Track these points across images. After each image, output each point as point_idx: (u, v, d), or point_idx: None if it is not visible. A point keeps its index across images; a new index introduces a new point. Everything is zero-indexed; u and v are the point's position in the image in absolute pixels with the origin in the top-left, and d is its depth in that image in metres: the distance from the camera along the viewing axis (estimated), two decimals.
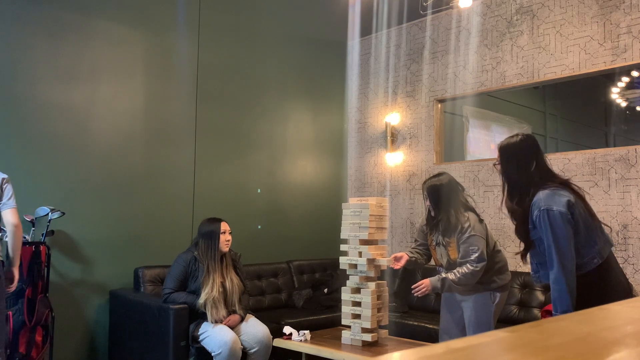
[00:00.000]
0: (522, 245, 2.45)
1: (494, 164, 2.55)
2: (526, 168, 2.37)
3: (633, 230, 3.71)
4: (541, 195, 2.29)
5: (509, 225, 2.96)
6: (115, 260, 3.96)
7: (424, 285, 3.02)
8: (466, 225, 2.97)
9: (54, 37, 3.77)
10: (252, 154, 4.89)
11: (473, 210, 3.08)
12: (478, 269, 2.90)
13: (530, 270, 2.53)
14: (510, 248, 4.24)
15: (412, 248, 3.29)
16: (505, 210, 2.50)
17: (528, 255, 2.48)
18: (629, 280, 3.65)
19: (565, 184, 2.37)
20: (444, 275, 2.98)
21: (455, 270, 2.96)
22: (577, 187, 2.42)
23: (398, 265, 3.14)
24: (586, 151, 3.99)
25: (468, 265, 2.92)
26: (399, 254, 3.16)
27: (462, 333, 3.10)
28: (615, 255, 3.69)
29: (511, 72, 4.45)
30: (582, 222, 2.29)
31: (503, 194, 2.47)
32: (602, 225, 2.40)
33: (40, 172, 3.67)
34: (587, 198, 3.01)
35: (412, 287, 3.08)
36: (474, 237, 2.94)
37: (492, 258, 3.01)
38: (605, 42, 3.93)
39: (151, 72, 4.26)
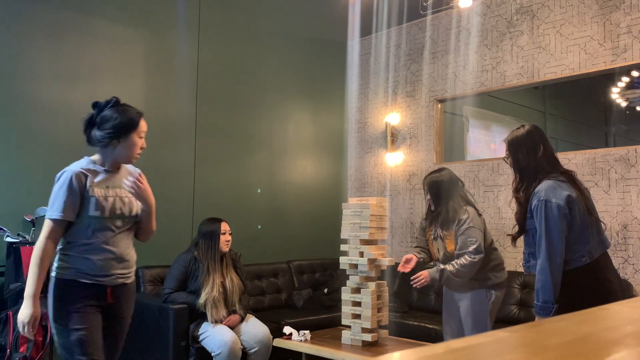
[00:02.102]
0: (517, 229, 2.50)
1: (504, 159, 2.58)
2: (535, 155, 2.41)
3: (633, 230, 3.71)
4: (543, 186, 2.33)
5: (509, 225, 2.98)
6: None
7: (422, 276, 3.04)
8: (464, 217, 3.01)
9: (54, 37, 3.77)
10: (252, 154, 4.89)
11: (472, 204, 3.12)
12: (476, 260, 2.93)
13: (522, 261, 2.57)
14: (510, 247, 4.23)
15: (415, 247, 3.32)
16: (512, 204, 2.53)
17: (521, 246, 2.53)
18: (629, 281, 3.65)
19: (570, 176, 2.42)
20: (442, 266, 3.00)
21: (453, 262, 2.99)
22: (581, 182, 2.46)
23: (408, 268, 3.15)
24: (586, 151, 3.99)
25: (466, 256, 2.95)
26: (408, 256, 3.17)
27: (460, 327, 3.13)
28: (615, 255, 3.71)
29: (511, 72, 4.45)
30: (578, 219, 2.32)
31: (516, 180, 2.48)
32: (602, 225, 2.42)
33: (41, 172, 3.67)
34: None
35: (411, 278, 3.09)
36: (472, 229, 2.98)
37: (488, 255, 3.05)
38: (605, 42, 3.93)
39: (151, 72, 4.26)
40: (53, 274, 2.31)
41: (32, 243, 3.32)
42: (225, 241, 3.63)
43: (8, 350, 3.14)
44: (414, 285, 3.07)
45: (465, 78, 4.76)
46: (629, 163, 3.76)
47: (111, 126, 2.32)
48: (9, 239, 3.35)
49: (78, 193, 2.25)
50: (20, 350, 3.16)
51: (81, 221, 2.26)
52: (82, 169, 2.30)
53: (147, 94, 4.22)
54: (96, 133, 2.33)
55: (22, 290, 3.22)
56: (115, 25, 4.07)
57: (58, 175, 2.31)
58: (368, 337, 3.27)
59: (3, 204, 3.51)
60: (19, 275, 3.26)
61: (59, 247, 2.31)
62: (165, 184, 4.28)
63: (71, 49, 3.85)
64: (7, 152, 3.55)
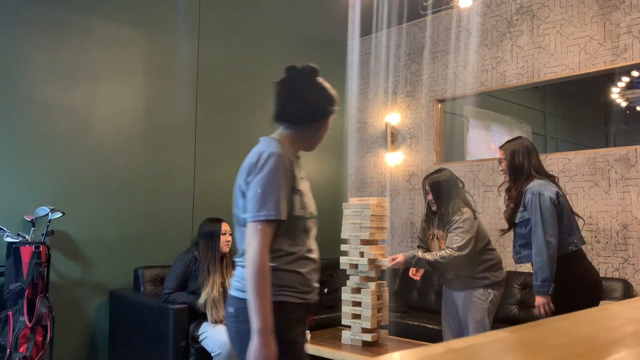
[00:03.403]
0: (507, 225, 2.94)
1: (499, 161, 2.92)
2: (529, 160, 2.83)
3: (633, 230, 3.71)
4: (535, 183, 2.74)
5: None
6: (115, 260, 3.96)
7: (397, 261, 3.09)
8: (457, 217, 3.06)
9: (54, 37, 3.77)
10: None
11: (470, 205, 3.16)
12: (455, 255, 2.97)
13: (513, 253, 2.94)
14: (511, 248, 4.23)
15: (418, 247, 3.36)
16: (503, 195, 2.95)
17: (512, 242, 2.94)
18: (629, 281, 3.66)
19: (554, 180, 2.82)
20: (420, 255, 3.03)
21: (434, 252, 3.06)
22: (560, 187, 2.84)
23: (418, 277, 3.25)
24: (586, 151, 3.99)
25: (448, 249, 3.01)
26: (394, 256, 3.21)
27: (459, 326, 3.16)
28: (615, 255, 3.73)
29: (511, 72, 4.45)
30: (565, 211, 2.71)
31: (509, 181, 2.88)
32: (577, 222, 2.81)
33: (40, 172, 3.67)
34: (587, 198, 3.80)
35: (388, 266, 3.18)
36: (462, 230, 3.03)
37: (484, 254, 3.09)
38: (605, 42, 3.93)
39: (151, 72, 4.26)
40: (245, 294, 1.72)
41: (32, 243, 3.33)
42: (225, 241, 3.63)
43: (8, 350, 3.13)
44: (389, 266, 3.14)
45: (465, 78, 4.76)
46: (629, 163, 3.76)
47: (323, 102, 1.87)
48: (9, 239, 3.35)
49: (291, 184, 1.73)
50: (20, 350, 3.16)
51: (285, 222, 1.72)
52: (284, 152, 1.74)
53: (147, 94, 4.22)
54: (301, 107, 1.85)
55: (22, 290, 3.23)
56: (115, 26, 4.07)
57: (259, 158, 1.72)
58: (368, 337, 3.27)
59: (3, 204, 3.51)
60: (19, 275, 3.26)
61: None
62: (165, 184, 4.28)
63: (71, 49, 3.85)
64: (7, 152, 3.55)
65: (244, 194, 1.74)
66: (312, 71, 1.88)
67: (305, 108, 1.85)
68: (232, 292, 1.78)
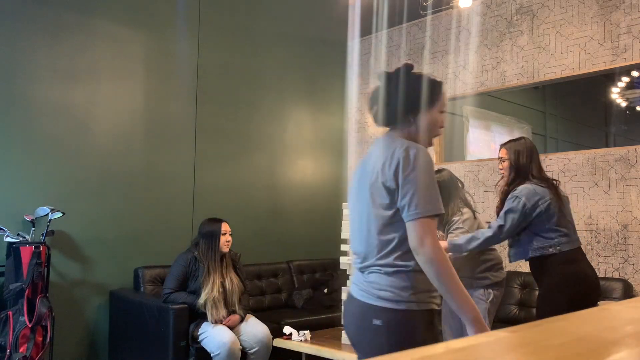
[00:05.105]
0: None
1: (501, 159, 2.92)
2: (531, 159, 2.85)
3: (633, 230, 3.71)
4: (521, 186, 2.77)
5: None
6: (115, 260, 3.96)
7: None
8: (458, 218, 3.08)
9: (54, 37, 3.77)
10: (252, 154, 4.89)
11: (470, 206, 3.16)
12: (455, 255, 2.97)
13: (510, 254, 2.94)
14: None
15: None
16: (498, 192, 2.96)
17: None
18: (629, 281, 3.66)
19: (550, 183, 2.79)
20: None
21: None
22: (561, 190, 2.82)
23: None
24: (586, 151, 3.99)
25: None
26: None
27: (460, 326, 3.16)
28: (615, 255, 3.72)
29: (511, 72, 4.45)
30: (545, 217, 2.70)
31: (508, 180, 2.88)
32: (574, 227, 2.79)
33: (40, 172, 3.67)
34: (587, 198, 3.73)
35: None
36: (462, 230, 3.05)
37: (484, 254, 3.10)
38: (605, 42, 3.93)
39: (151, 72, 4.26)
40: (401, 305, 1.63)
41: (32, 243, 3.33)
42: (225, 241, 3.63)
43: (8, 350, 3.14)
44: None
45: (465, 78, 4.76)
46: (629, 163, 3.76)
47: (420, 92, 1.86)
48: (9, 239, 3.35)
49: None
50: (20, 350, 3.16)
51: None
52: None
53: (147, 94, 4.22)
54: (404, 103, 1.82)
55: (22, 290, 3.23)
56: (115, 25, 4.07)
57: (408, 154, 1.67)
58: None
59: (3, 204, 3.51)
60: (19, 275, 3.26)
61: (394, 258, 1.66)
62: (165, 184, 4.28)
63: (71, 48, 3.85)
64: (7, 152, 3.55)
65: (388, 190, 1.67)
66: (409, 67, 1.83)
67: (406, 103, 1.79)
68: (375, 302, 1.66)
